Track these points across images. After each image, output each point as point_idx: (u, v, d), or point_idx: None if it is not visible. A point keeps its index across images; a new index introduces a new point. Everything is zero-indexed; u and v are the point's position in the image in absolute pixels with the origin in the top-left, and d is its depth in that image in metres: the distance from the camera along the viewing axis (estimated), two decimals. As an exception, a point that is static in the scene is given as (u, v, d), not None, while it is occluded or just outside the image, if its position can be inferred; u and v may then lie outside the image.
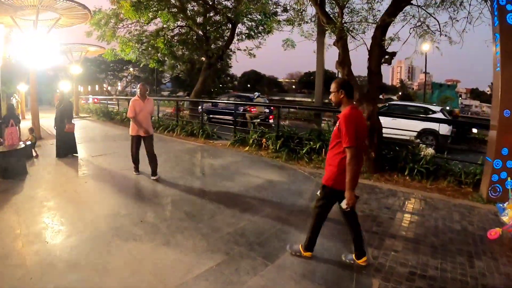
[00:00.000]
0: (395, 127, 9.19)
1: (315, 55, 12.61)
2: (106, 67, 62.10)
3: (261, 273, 3.75)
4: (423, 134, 12.77)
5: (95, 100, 30.32)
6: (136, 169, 7.67)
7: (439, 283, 3.74)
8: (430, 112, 13.96)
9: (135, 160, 7.65)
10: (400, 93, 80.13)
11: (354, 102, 3.91)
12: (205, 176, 7.79)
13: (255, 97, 17.83)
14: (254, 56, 17.55)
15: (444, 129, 12.63)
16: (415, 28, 8.31)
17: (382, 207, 6.02)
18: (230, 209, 5.66)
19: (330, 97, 3.85)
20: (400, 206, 6.18)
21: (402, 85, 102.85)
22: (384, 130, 8.55)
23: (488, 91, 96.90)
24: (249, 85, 75.23)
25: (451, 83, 56.09)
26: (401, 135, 9.63)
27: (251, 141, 10.73)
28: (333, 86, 3.80)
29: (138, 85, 7.60)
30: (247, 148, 10.59)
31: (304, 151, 9.27)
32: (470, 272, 3.98)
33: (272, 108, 17.64)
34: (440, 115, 13.84)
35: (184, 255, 4.11)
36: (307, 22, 10.20)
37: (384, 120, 8.62)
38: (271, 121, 14.57)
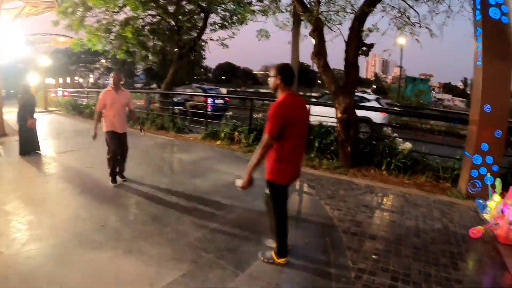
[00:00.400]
0: (331, 115, 8.95)
1: (290, 47, 12.35)
2: (77, 59, 60.58)
3: (231, 285, 3.40)
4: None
5: (65, 93, 29.26)
6: (114, 178, 6.42)
7: (423, 289, 3.48)
8: (365, 101, 14.38)
9: (114, 163, 6.39)
10: (374, 86, 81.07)
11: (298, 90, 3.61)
12: (173, 173, 7.40)
13: (192, 87, 18.47)
14: (227, 46, 17.03)
15: (377, 117, 12.82)
16: (394, 20, 8.11)
17: (360, 205, 5.75)
18: (199, 210, 5.28)
19: (268, 81, 3.62)
20: (378, 204, 5.95)
21: (376, 79, 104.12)
22: (321, 118, 8.81)
23: (460, 85, 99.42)
24: (223, 77, 74.67)
25: (425, 77, 57.13)
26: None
27: (223, 135, 10.32)
28: (272, 71, 3.58)
29: (112, 74, 6.69)
30: (219, 142, 10.17)
31: None
32: (455, 275, 3.75)
33: (226, 99, 18.52)
34: (374, 104, 14.32)
35: (147, 265, 3.70)
36: (282, 12, 9.89)
37: (321, 109, 9.05)
38: (209, 109, 14.70)
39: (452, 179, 7.08)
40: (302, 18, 8.96)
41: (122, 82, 6.57)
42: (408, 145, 8.03)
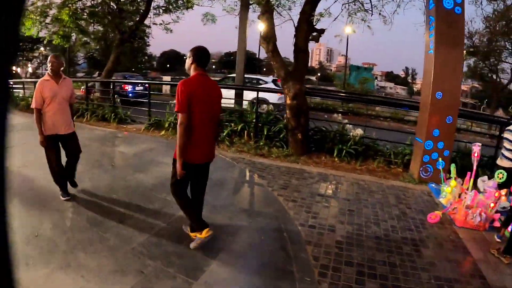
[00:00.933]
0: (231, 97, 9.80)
1: (237, 35, 11.96)
2: (14, 47, 57.05)
3: (184, 296, 2.97)
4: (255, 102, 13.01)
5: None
6: (64, 190, 5.05)
7: (391, 281, 3.29)
8: (262, 82, 15.32)
9: (59, 176, 5.03)
10: (319, 74, 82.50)
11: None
12: (114, 169, 6.67)
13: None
14: (171, 31, 16.05)
15: (274, 97, 13.37)
16: (347, 5, 7.97)
17: (315, 194, 5.50)
18: (143, 209, 4.68)
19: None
20: (334, 192, 5.74)
21: (321, 67, 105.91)
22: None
23: (402, 74, 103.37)
24: (168, 65, 72.92)
25: (368, 66, 58.84)
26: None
27: (167, 124, 9.69)
28: (188, 52, 3.63)
29: (49, 58, 4.96)
30: (163, 133, 9.51)
31: (224, 134, 8.45)
32: (420, 264, 3.65)
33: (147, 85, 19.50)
34: (271, 85, 15.23)
35: (87, 280, 3.14)
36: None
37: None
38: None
39: (403, 164, 7.08)
40: (250, 2, 8.58)
41: (62, 68, 4.98)
42: (359, 131, 7.94)
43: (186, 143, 3.37)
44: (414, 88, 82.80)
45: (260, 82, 15.39)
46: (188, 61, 3.55)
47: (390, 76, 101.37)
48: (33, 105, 4.75)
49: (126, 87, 18.08)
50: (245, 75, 19.01)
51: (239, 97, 10.97)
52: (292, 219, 4.56)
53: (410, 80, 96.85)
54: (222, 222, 4.29)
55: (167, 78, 34.72)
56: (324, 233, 4.21)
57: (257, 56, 57.52)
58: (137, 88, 18.09)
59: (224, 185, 5.70)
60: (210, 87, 3.56)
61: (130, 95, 17.16)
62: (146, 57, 53.18)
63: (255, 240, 3.93)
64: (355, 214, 4.82)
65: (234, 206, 4.88)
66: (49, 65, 4.84)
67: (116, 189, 5.41)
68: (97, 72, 45.98)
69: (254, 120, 8.53)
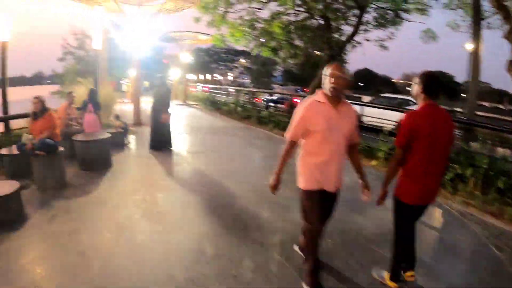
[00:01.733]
0: (383, 117, 9.58)
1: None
2: (218, 58, 64.48)
3: None
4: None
5: (205, 88, 30.32)
6: (315, 279, 3.27)
7: None
8: (412, 104, 13.85)
9: (316, 240, 3.28)
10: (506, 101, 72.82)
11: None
12: None
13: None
14: (386, 48, 14.96)
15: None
16: None
17: None
18: (365, 269, 3.60)
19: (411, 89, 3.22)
20: None
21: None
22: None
23: None
24: (362, 84, 72.01)
25: None
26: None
27: (380, 154, 8.11)
28: (416, 78, 3.15)
29: (330, 69, 2.98)
30: (374, 163, 8.04)
31: (447, 178, 6.57)
32: None
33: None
34: None
35: None
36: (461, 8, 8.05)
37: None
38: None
39: None
40: (482, 17, 7.08)
41: (347, 88, 3.01)
42: None
43: (392, 179, 3.15)
44: None
45: (410, 103, 13.76)
46: (416, 89, 3.09)
47: None
48: (288, 135, 3.15)
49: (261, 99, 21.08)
50: (388, 95, 17.72)
51: (468, 133, 8.97)
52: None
53: None
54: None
55: (366, 98, 33.56)
56: None
57: (455, 80, 52.79)
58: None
59: (458, 253, 4.26)
60: (440, 120, 3.05)
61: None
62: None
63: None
64: None
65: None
66: (329, 80, 2.97)
67: (332, 232, 4.28)
68: (294, 86, 47.98)
69: (485, 166, 6.47)
